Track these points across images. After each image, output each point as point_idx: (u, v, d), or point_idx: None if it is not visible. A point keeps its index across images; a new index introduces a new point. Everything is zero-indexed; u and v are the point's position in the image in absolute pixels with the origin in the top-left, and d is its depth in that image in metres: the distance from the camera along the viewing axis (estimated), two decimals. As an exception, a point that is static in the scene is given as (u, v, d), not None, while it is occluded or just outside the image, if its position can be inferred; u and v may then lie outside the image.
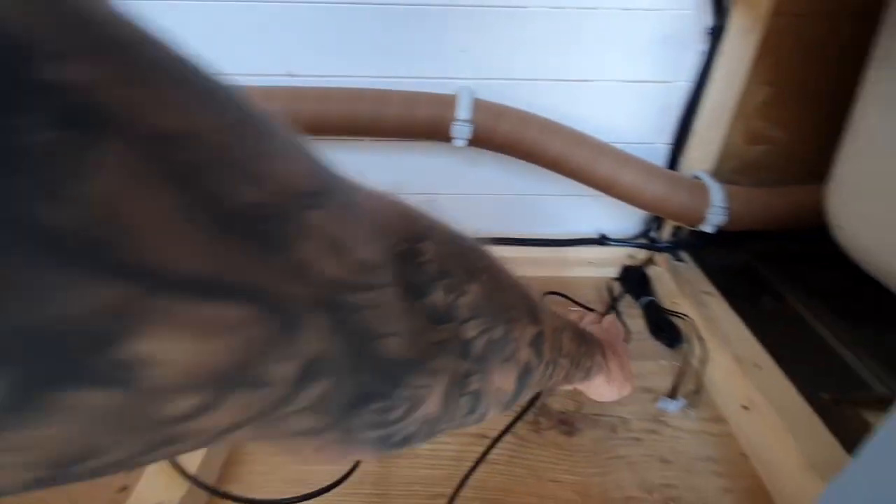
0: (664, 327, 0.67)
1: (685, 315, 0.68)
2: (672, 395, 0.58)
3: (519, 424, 0.55)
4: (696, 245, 0.80)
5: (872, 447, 0.33)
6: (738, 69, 0.67)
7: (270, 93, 0.65)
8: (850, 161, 0.61)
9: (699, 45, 0.68)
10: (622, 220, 0.85)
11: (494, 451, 0.52)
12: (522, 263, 0.80)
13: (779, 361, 0.60)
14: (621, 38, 0.68)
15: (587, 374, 0.38)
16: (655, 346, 0.67)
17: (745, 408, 0.55)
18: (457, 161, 0.78)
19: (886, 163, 0.56)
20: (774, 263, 0.82)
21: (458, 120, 0.66)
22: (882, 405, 0.59)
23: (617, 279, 0.79)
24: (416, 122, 0.66)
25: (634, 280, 0.77)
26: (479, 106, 0.66)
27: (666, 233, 0.81)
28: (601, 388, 0.44)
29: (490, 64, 0.69)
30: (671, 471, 0.50)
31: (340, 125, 0.66)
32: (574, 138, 0.68)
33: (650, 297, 0.72)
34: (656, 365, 0.64)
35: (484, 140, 0.68)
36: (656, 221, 0.82)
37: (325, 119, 0.65)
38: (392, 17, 0.66)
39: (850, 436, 0.52)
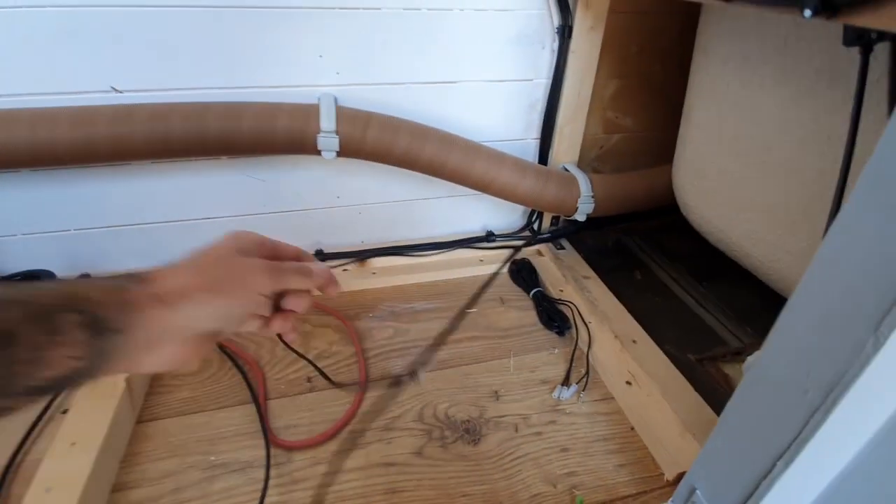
0: (554, 316, 0.70)
1: (570, 302, 0.72)
2: (565, 382, 0.61)
3: (427, 443, 0.53)
4: (573, 232, 0.85)
5: (731, 409, 0.37)
6: (589, 65, 0.71)
7: (91, 113, 0.55)
8: (685, 145, 0.68)
9: (551, 44, 0.71)
10: (507, 215, 0.87)
11: (403, 477, 0.50)
12: (412, 271, 0.78)
13: (651, 332, 0.65)
14: (479, 39, 0.68)
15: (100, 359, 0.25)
16: (548, 335, 0.69)
17: (628, 383, 0.60)
18: (330, 173, 0.73)
19: (709, 145, 0.64)
20: (639, 238, 0.91)
21: (322, 131, 0.61)
22: (737, 357, 0.68)
23: (508, 273, 0.81)
24: (277, 135, 0.61)
25: (524, 273, 0.79)
26: (344, 115, 0.63)
27: (546, 224, 0.85)
28: (151, 360, 0.28)
29: (351, 69, 0.66)
30: (571, 458, 0.52)
31: (186, 145, 0.58)
32: (446, 141, 0.67)
33: (538, 288, 0.75)
34: (549, 354, 0.66)
35: (354, 150, 0.64)
36: (537, 214, 0.85)
37: (167, 139, 0.57)
38: (240, 22, 0.59)
39: (715, 392, 0.59)
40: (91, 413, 0.50)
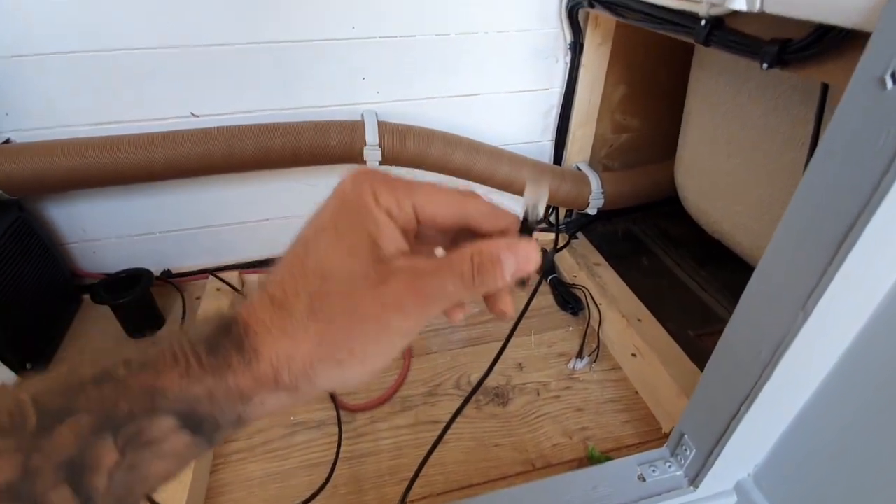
0: (568, 299, 0.80)
1: (583, 286, 0.82)
2: (579, 355, 0.71)
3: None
4: (585, 224, 0.94)
5: (708, 368, 0.47)
6: (598, 76, 0.80)
7: (178, 137, 0.66)
8: (685, 146, 0.77)
9: (564, 57, 0.79)
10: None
11: (446, 431, 0.61)
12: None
13: (655, 312, 0.75)
14: (500, 56, 0.77)
15: (231, 424, 0.19)
16: (563, 316, 0.79)
17: (634, 355, 0.70)
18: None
19: (706, 147, 0.72)
20: (645, 227, 1.00)
21: (368, 144, 0.72)
22: (730, 331, 0.78)
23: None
24: (329, 149, 0.71)
25: (542, 261, 0.89)
26: (385, 129, 0.73)
27: (561, 216, 0.94)
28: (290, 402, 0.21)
29: (389, 87, 0.76)
30: (584, 416, 0.63)
31: (256, 160, 0.69)
32: (473, 148, 0.77)
33: (554, 275, 0.85)
34: (565, 332, 0.76)
35: (394, 159, 0.74)
36: (553, 208, 0.94)
37: (241, 155, 0.68)
38: (296, 54, 0.69)
39: (706, 360, 0.69)
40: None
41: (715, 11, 0.44)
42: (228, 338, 0.19)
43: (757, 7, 0.36)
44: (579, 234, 0.94)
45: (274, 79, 0.71)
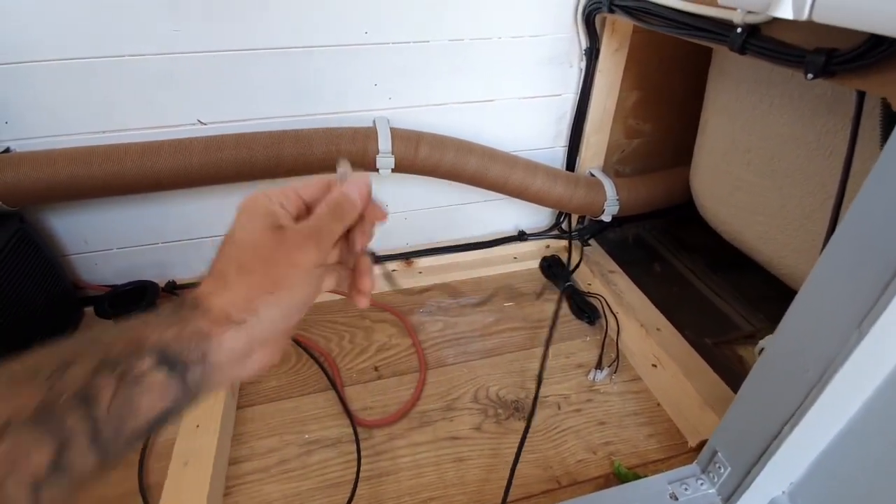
0: (584, 308, 0.79)
1: (599, 295, 0.80)
2: (598, 366, 0.70)
3: (483, 420, 0.63)
4: (598, 230, 0.93)
5: (748, 384, 0.46)
6: (613, 82, 0.79)
7: (187, 144, 0.64)
8: (702, 154, 0.76)
9: (579, 63, 0.78)
10: (536, 215, 0.95)
11: (466, 448, 0.59)
12: (454, 269, 0.87)
13: (671, 320, 0.74)
14: (514, 62, 0.76)
15: (200, 383, 0.25)
16: (580, 325, 0.78)
17: (654, 366, 0.68)
18: (380, 185, 0.82)
19: (724, 156, 0.71)
20: (657, 232, 0.99)
21: (381, 152, 0.70)
22: (749, 340, 0.77)
23: (540, 269, 0.90)
24: (342, 156, 0.69)
25: (554, 268, 0.88)
26: (398, 136, 0.71)
27: (573, 222, 0.93)
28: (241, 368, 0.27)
29: (401, 93, 0.74)
30: (607, 430, 0.62)
31: (266, 169, 0.67)
32: (487, 154, 0.75)
33: (569, 283, 0.84)
34: (583, 342, 0.75)
35: (407, 167, 0.73)
36: (565, 214, 0.93)
37: (251, 164, 0.66)
38: (306, 59, 0.67)
39: (731, 371, 0.68)
40: (204, 401, 0.60)
41: (751, 19, 0.43)
42: (185, 306, 0.26)
43: (805, 16, 0.35)
44: (592, 241, 0.93)
45: (283, 85, 0.69)
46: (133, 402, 0.23)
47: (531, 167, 0.78)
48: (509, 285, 0.86)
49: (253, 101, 0.69)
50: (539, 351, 0.72)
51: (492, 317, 0.79)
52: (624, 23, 0.72)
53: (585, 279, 0.85)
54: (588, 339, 0.76)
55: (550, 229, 0.95)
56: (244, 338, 0.26)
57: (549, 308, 0.81)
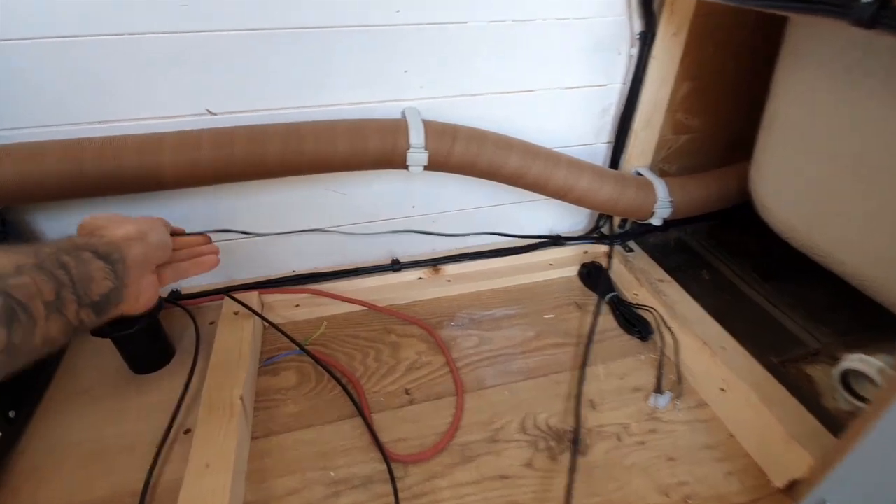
0: (633, 321, 0.71)
1: (648, 306, 0.72)
2: (658, 389, 0.62)
3: (534, 454, 0.55)
4: (640, 233, 0.85)
5: (877, 429, 0.38)
6: (669, 70, 0.71)
7: (195, 137, 0.56)
8: (768, 151, 0.68)
9: (629, 49, 0.70)
10: (572, 217, 0.88)
11: (519, 490, 0.51)
12: (485, 277, 0.79)
13: (735, 335, 0.66)
14: (558, 47, 0.68)
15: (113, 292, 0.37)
16: (630, 341, 0.70)
17: (722, 390, 0.60)
18: (407, 184, 0.74)
19: (797, 152, 0.63)
20: (699, 235, 0.91)
21: (412, 147, 0.62)
22: (817, 358, 0.69)
23: (578, 276, 0.82)
24: (368, 154, 0.61)
25: (595, 276, 0.80)
26: (432, 129, 0.63)
27: (614, 225, 0.85)
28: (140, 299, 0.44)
29: (434, 82, 0.66)
30: (679, 467, 0.54)
31: (283, 166, 0.59)
32: (528, 151, 0.67)
33: (614, 293, 0.76)
34: (636, 360, 0.67)
35: (440, 164, 0.65)
36: (605, 217, 0.85)
37: (264, 161, 0.58)
38: (329, 42, 0.59)
39: (809, 396, 0.60)
40: (215, 433, 0.52)
41: (891, -17, 0.35)
42: (94, 234, 0.42)
43: None
44: (633, 245, 0.85)
45: (303, 70, 0.61)
46: (90, 274, 0.34)
47: (576, 165, 0.70)
48: (547, 295, 0.78)
49: (267, 89, 0.61)
50: (589, 371, 0.65)
51: (531, 331, 0.71)
52: (686, 2, 0.64)
53: (631, 288, 0.77)
54: (642, 357, 0.68)
55: (589, 233, 0.87)
56: (137, 250, 0.40)
57: (592, 320, 0.73)
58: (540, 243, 0.84)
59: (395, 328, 0.71)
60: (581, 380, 0.62)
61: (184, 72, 0.57)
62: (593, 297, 0.78)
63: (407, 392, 0.62)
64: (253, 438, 0.56)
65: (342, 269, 0.77)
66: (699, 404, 0.61)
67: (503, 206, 0.82)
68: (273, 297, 0.73)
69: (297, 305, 0.73)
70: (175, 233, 0.53)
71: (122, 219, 0.44)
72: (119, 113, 0.57)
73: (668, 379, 0.64)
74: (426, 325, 0.71)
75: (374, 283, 0.77)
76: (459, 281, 0.79)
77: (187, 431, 0.54)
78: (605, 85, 0.74)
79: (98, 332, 0.56)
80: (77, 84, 0.55)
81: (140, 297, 0.42)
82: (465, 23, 0.62)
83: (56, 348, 0.32)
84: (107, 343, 0.58)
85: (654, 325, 0.70)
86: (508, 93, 0.70)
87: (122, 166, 0.54)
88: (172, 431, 0.54)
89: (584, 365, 0.64)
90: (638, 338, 0.70)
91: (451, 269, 0.80)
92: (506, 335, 0.71)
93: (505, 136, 0.67)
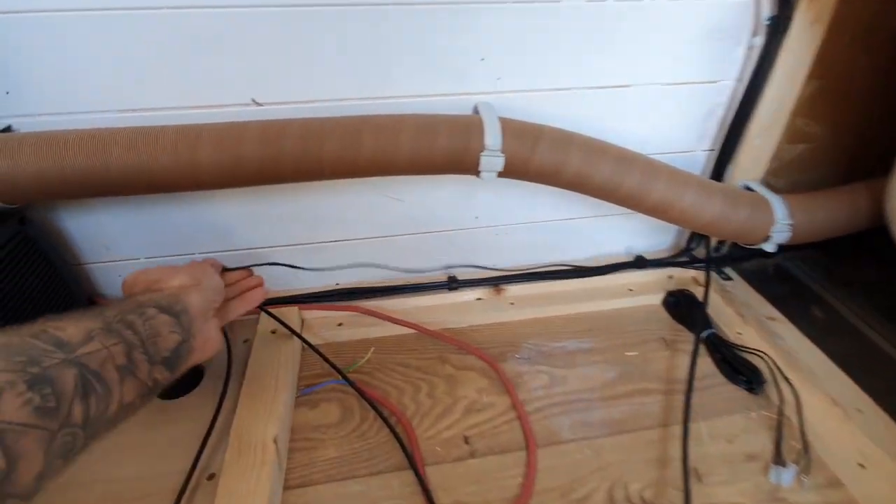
0: (739, 368, 0.59)
1: (757, 350, 0.60)
2: (778, 460, 0.50)
3: (628, 540, 0.44)
4: (740, 257, 0.72)
5: None
6: (799, 65, 0.58)
7: (238, 131, 0.48)
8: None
9: (750, 39, 0.58)
10: (654, 235, 0.76)
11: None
12: (553, 301, 0.69)
13: (871, 394, 0.53)
14: (666, 34, 0.56)
15: (181, 352, 0.36)
16: (736, 393, 0.58)
17: (861, 465, 0.48)
18: (470, 192, 0.64)
19: None
20: (803, 263, 0.77)
21: (487, 149, 0.52)
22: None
23: (664, 306, 0.70)
24: (435, 155, 0.51)
25: (685, 306, 0.68)
26: (511, 129, 0.53)
27: (709, 247, 0.72)
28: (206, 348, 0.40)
29: (514, 73, 0.56)
30: (820, 573, 0.42)
31: (337, 166, 0.50)
32: (624, 159, 0.56)
33: (711, 330, 0.64)
34: (746, 419, 0.55)
35: (518, 170, 0.54)
36: (699, 237, 0.73)
37: (318, 161, 0.49)
38: (396, 22, 0.50)
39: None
40: (243, 482, 0.43)
41: None
42: (151, 289, 0.39)
43: None
44: (730, 272, 0.72)
45: (360, 56, 0.52)
46: (157, 329, 0.33)
47: (678, 177, 0.58)
48: (627, 326, 0.67)
49: (319, 76, 0.52)
50: (690, 429, 0.53)
51: (612, 371, 0.60)
52: (837, -21, 0.51)
53: (732, 325, 0.65)
54: (753, 414, 0.55)
55: (676, 255, 0.74)
56: (199, 298, 0.39)
57: (687, 363, 0.61)
58: (618, 264, 0.72)
59: (451, 358, 0.62)
60: (685, 443, 0.51)
61: (226, 54, 0.49)
62: (683, 333, 0.66)
63: (466, 441, 0.52)
64: (286, 488, 0.47)
65: (391, 284, 0.68)
66: (831, 483, 0.49)
67: (575, 221, 0.71)
68: (314, 314, 0.64)
69: (340, 324, 0.64)
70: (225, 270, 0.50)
71: (172, 269, 0.41)
72: (152, 101, 0.50)
73: (789, 446, 0.52)
74: (487, 356, 0.61)
75: (427, 302, 0.68)
76: (524, 304, 0.68)
77: (211, 477, 0.46)
78: (715, 81, 0.61)
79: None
80: (107, 65, 0.47)
81: (207, 343, 0.39)
82: (558, 1, 0.52)
83: (133, 414, 0.31)
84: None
85: (766, 374, 0.58)
86: (600, 88, 0.59)
87: (154, 162, 0.46)
88: (195, 476, 0.46)
89: (685, 421, 0.53)
90: (746, 389, 0.58)
91: (514, 289, 0.70)
92: (582, 375, 0.60)
93: (596, 140, 0.56)
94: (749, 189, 0.65)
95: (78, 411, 0.25)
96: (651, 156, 0.61)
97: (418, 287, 0.68)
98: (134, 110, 0.50)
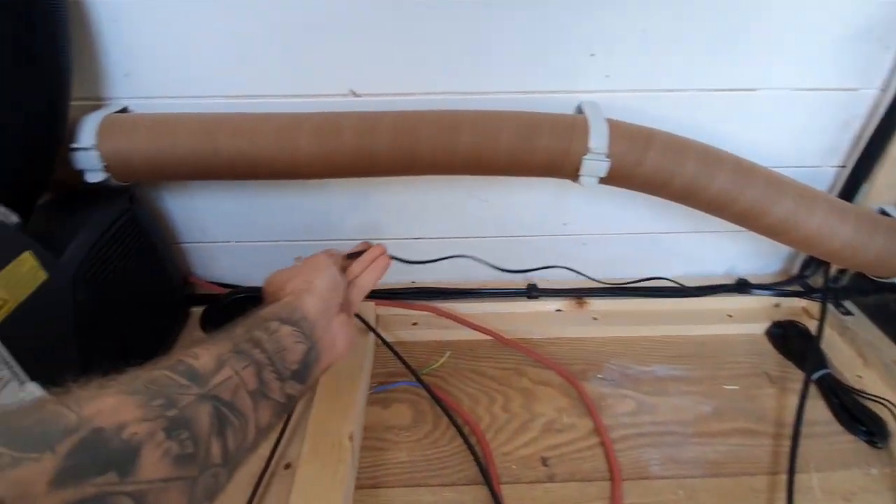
0: (859, 416, 0.51)
1: (882, 399, 0.52)
2: (914, 532, 0.43)
3: None
4: (861, 290, 0.64)
5: None
6: (972, 72, 0.49)
7: (336, 121, 0.47)
8: None
9: (905, 41, 0.50)
10: (762, 256, 0.68)
11: None
12: (641, 320, 0.64)
13: None
14: (806, 31, 0.50)
15: (310, 368, 0.34)
16: (854, 444, 0.51)
17: None
18: (560, 196, 0.61)
19: None
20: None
21: (591, 152, 0.48)
22: None
23: (768, 337, 0.63)
24: (535, 156, 0.48)
25: (795, 340, 0.60)
26: (619, 131, 0.49)
27: (828, 274, 0.64)
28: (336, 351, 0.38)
29: (625, 70, 0.52)
30: None
31: (433, 162, 0.48)
32: (743, 171, 0.50)
33: (826, 370, 0.56)
34: (865, 475, 0.48)
35: (623, 177, 0.50)
36: (812, 260, 0.65)
37: (413, 155, 0.48)
38: (493, 11, 0.47)
39: None
40: (320, 478, 0.43)
41: None
42: (266, 299, 0.39)
43: None
44: (851, 307, 0.64)
45: (463, 48, 0.50)
46: (283, 344, 0.32)
47: (807, 195, 0.51)
48: (725, 356, 0.61)
49: (418, 68, 0.51)
50: (799, 480, 0.47)
51: (707, 405, 0.55)
52: None
53: (852, 368, 0.57)
54: (874, 471, 0.48)
55: (786, 281, 0.67)
56: (314, 301, 0.36)
57: (796, 405, 0.54)
58: (718, 286, 0.66)
59: (529, 371, 0.58)
60: (790, 495, 0.45)
61: (327, 43, 0.48)
62: (791, 370, 0.59)
63: (545, 462, 0.49)
64: (357, 487, 0.46)
65: (468, 287, 0.66)
66: None
67: (673, 235, 0.65)
68: (389, 311, 0.64)
69: (414, 323, 0.63)
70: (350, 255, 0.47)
71: (284, 274, 0.39)
72: (257, 88, 0.50)
73: (927, 517, 0.44)
74: (567, 372, 0.57)
75: (505, 309, 0.65)
76: (608, 320, 0.64)
77: (287, 466, 0.46)
78: (855, 89, 0.54)
79: (208, 326, 0.50)
80: (218, 51, 0.48)
81: (336, 342, 0.37)
82: (688, -8, 0.47)
83: (270, 434, 0.31)
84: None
85: (891, 426, 0.50)
86: (719, 90, 0.53)
87: (256, 148, 0.46)
88: (272, 464, 0.46)
89: (791, 471, 0.47)
90: (866, 441, 0.50)
91: (598, 304, 0.65)
92: (673, 405, 0.55)
93: (712, 147, 0.51)
94: (885, 214, 0.56)
95: (216, 449, 0.25)
96: (772, 169, 0.55)
97: (496, 292, 0.66)
98: (239, 96, 0.51)
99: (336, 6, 0.46)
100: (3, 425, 0.18)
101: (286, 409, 0.31)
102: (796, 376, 0.58)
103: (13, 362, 0.33)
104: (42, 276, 0.37)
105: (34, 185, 0.40)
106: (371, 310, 0.62)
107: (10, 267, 0.34)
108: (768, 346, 0.62)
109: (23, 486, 0.16)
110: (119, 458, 0.20)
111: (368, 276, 0.45)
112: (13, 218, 0.37)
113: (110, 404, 0.21)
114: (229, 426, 0.26)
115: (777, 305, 0.66)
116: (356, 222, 0.63)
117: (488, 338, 0.61)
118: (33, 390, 0.34)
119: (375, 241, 0.63)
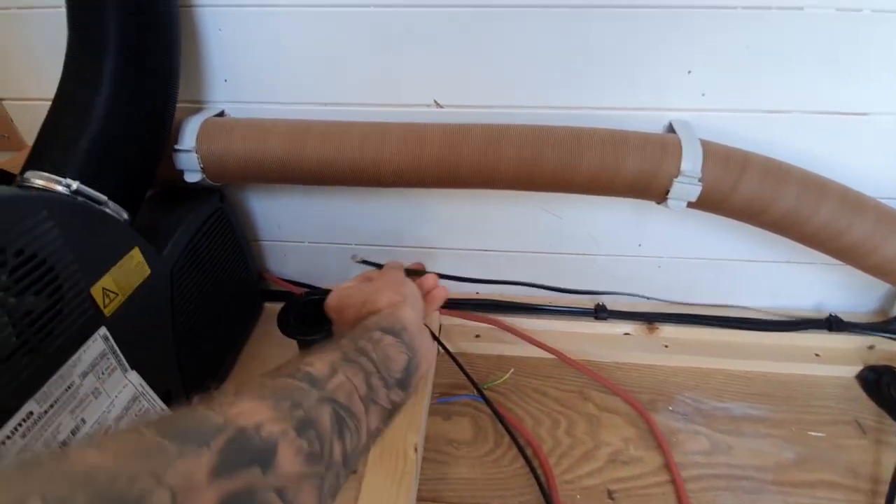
0: (973, 482, 0.46)
1: None
2: None
3: None
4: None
5: None
6: None
7: (419, 132, 0.47)
8: None
9: None
10: (855, 291, 0.63)
11: None
12: (716, 352, 0.60)
13: None
14: (931, 54, 0.45)
15: (415, 371, 0.35)
16: (967, 514, 0.45)
17: None
18: (637, 216, 0.58)
19: None
20: None
21: (683, 174, 0.46)
22: None
23: (859, 382, 0.58)
24: (620, 176, 0.47)
25: (890, 389, 0.55)
26: (713, 153, 0.46)
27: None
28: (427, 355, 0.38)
29: (722, 89, 0.49)
30: None
31: (516, 176, 0.48)
32: (850, 202, 0.46)
33: (928, 423, 0.51)
34: (983, 553, 0.43)
35: (714, 203, 0.48)
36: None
37: (496, 169, 0.47)
38: (584, 26, 0.46)
39: None
40: (386, 489, 0.43)
41: None
42: (364, 312, 0.38)
43: None
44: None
45: (549, 62, 0.49)
46: (387, 353, 0.33)
47: (924, 232, 0.47)
48: (811, 399, 0.56)
49: (503, 81, 0.50)
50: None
51: (790, 451, 0.51)
52: None
53: (963, 425, 0.51)
54: None
55: (885, 322, 0.61)
56: (412, 313, 0.38)
57: (890, 459, 0.49)
58: (805, 321, 0.61)
59: (594, 395, 0.57)
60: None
61: (414, 53, 0.48)
62: (886, 421, 0.54)
63: (611, 496, 0.47)
64: (419, 499, 0.46)
65: (533, 302, 0.65)
66: None
67: (759, 264, 0.61)
68: (452, 321, 0.63)
69: (477, 336, 0.62)
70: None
71: (373, 286, 0.40)
72: (346, 96, 0.51)
73: None
74: (636, 401, 0.55)
75: (570, 328, 0.63)
76: (680, 349, 0.61)
77: (354, 471, 0.47)
78: None
79: (288, 332, 0.51)
80: (310, 60, 0.50)
81: (427, 353, 0.38)
82: (800, 9, 0.44)
83: (378, 438, 0.31)
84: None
85: None
86: (825, 113, 0.49)
87: (341, 155, 0.47)
88: (338, 466, 0.47)
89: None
90: (982, 512, 0.45)
91: (670, 330, 0.62)
92: (751, 448, 0.51)
93: (815, 175, 0.47)
94: None
95: (338, 449, 0.25)
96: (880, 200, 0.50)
97: (562, 310, 0.64)
98: (329, 104, 0.52)
99: (427, 19, 0.47)
100: (167, 424, 0.20)
101: (392, 416, 0.32)
102: (892, 428, 0.53)
103: (119, 352, 0.36)
104: (146, 270, 0.39)
105: (143, 184, 0.43)
106: (435, 318, 0.62)
107: (121, 262, 0.36)
108: (860, 392, 0.57)
109: (188, 477, 0.18)
110: (260, 455, 0.21)
111: (430, 307, 0.46)
112: (124, 215, 0.40)
113: (247, 407, 0.22)
114: (347, 428, 0.27)
115: (871, 347, 0.60)
116: (423, 232, 0.63)
117: (551, 357, 0.60)
118: (133, 379, 0.36)
119: (440, 251, 0.64)
